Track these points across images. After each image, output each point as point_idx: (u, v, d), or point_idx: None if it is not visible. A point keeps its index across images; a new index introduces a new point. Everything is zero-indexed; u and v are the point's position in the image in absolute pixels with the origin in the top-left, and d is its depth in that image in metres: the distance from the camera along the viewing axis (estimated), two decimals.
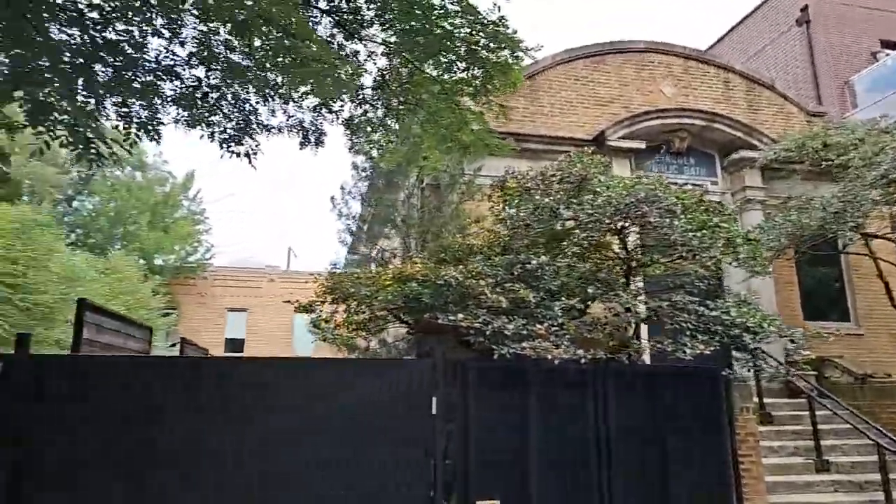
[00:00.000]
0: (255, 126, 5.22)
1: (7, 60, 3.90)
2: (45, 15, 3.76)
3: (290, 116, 5.72)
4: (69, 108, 4.12)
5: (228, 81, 5.35)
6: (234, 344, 31.22)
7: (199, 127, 5.10)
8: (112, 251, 26.96)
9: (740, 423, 7.18)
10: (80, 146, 4.49)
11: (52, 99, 3.95)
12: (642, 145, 10.23)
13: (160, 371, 5.03)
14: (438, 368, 5.65)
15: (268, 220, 69.48)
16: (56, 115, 4.17)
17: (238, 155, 5.13)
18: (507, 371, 5.78)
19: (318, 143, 5.68)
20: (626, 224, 6.35)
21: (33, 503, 4.43)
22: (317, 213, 77.41)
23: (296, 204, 74.46)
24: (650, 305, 5.52)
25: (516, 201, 6.80)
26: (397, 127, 5.86)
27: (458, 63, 5.27)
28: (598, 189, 6.08)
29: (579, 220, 5.96)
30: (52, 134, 4.38)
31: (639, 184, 5.98)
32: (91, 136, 4.41)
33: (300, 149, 5.64)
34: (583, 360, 5.22)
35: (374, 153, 6.43)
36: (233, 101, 5.31)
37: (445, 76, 5.48)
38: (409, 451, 5.45)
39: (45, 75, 3.85)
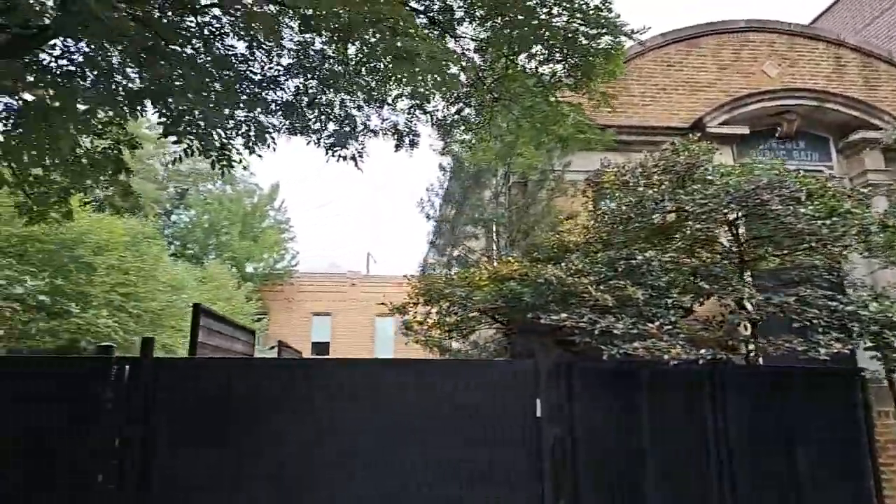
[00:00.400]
0: (356, 130, 5.26)
1: (145, 75, 4.13)
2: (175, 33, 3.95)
3: (384, 119, 5.72)
4: (201, 118, 4.31)
5: (325, 89, 5.44)
6: (320, 347, 32.24)
7: (303, 134, 5.22)
8: (207, 260, 28.67)
9: (879, 429, 6.49)
10: (215, 153, 4.69)
11: (184, 108, 4.14)
12: (745, 130, 9.53)
13: (275, 372, 5.15)
14: (542, 370, 5.46)
15: (348, 226, 71.64)
16: (188, 126, 4.38)
17: (344, 158, 5.18)
18: (614, 373, 5.49)
19: (413, 144, 5.66)
20: (740, 214, 5.89)
21: (155, 466, 4.71)
22: (395, 218, 78.90)
23: (374, 209, 76.30)
24: (774, 301, 5.05)
25: (617, 195, 6.47)
26: (490, 124, 5.73)
27: (555, 53, 5.06)
28: (708, 178, 5.66)
29: (689, 211, 5.57)
30: (188, 142, 4.61)
31: (757, 168, 5.51)
32: (224, 142, 4.61)
33: (395, 151, 5.65)
34: (701, 361, 4.85)
35: (465, 153, 6.33)
36: (329, 108, 5.39)
37: (541, 69, 5.29)
38: (512, 454, 5.29)
39: (177, 86, 4.03)
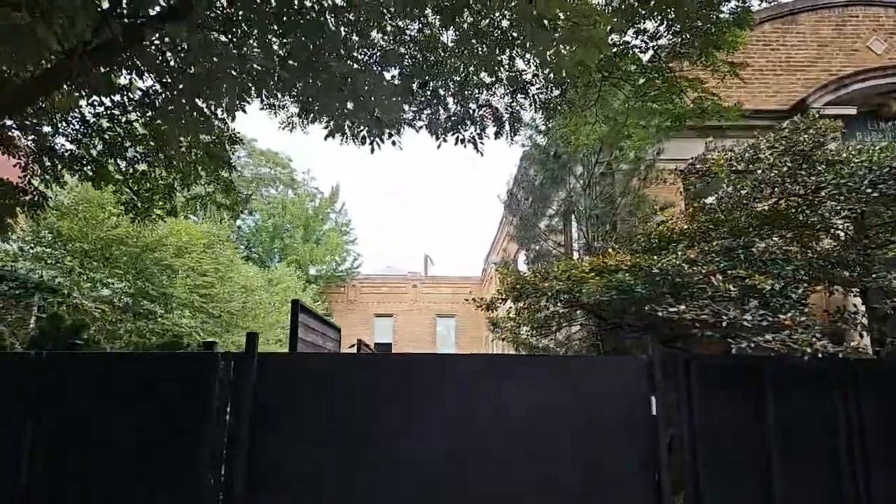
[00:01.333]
0: (464, 115, 5.06)
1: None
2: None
3: (481, 106, 5.48)
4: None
5: (431, 74, 5.26)
6: (383, 348, 32.44)
7: (420, 119, 5.09)
8: (271, 264, 29.40)
9: None
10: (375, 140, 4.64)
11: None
12: (853, 111, 8.80)
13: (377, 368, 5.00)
14: (656, 366, 5.09)
15: (404, 227, 72.28)
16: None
17: (464, 141, 4.99)
18: (735, 368, 5.06)
19: (514, 130, 5.41)
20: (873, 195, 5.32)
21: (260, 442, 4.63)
22: (451, 218, 79.06)
23: (429, 210, 76.66)
24: None
25: (730, 178, 6.02)
26: (597, 105, 5.40)
27: (674, 25, 4.70)
28: (843, 155, 5.15)
29: (824, 191, 5.07)
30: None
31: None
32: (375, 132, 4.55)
33: (495, 138, 5.39)
34: (841, 355, 4.38)
35: (564, 137, 6.02)
36: (434, 93, 5.24)
37: (657, 42, 4.93)
38: (627, 454, 4.95)
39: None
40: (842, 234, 5.65)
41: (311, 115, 4.86)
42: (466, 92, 5.00)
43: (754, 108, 9.28)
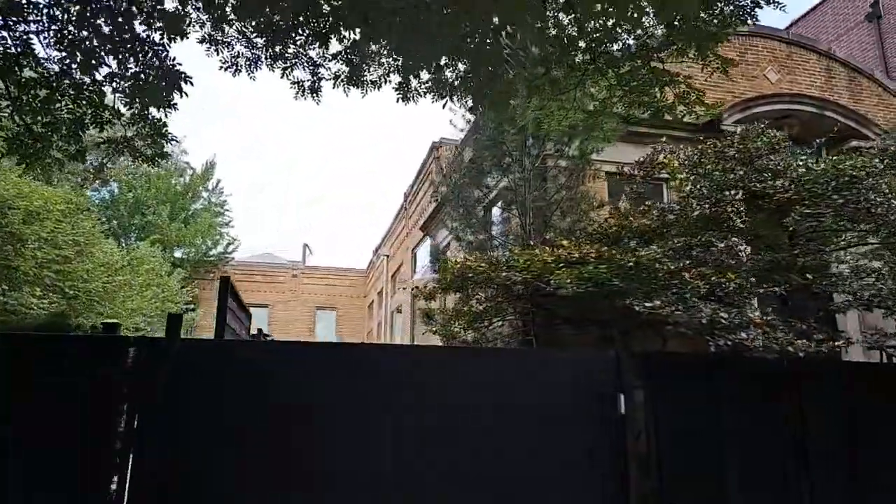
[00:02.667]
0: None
1: None
2: None
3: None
4: None
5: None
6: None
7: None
8: (129, 241, 26.16)
9: None
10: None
11: None
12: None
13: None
14: (624, 363, 5.00)
15: (283, 214, 68.58)
16: None
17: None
18: (701, 365, 5.13)
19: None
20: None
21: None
22: (333, 208, 76.52)
23: (312, 198, 73.55)
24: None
25: (677, 181, 6.15)
26: (577, 90, 5.19)
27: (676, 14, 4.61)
28: (775, 166, 5.49)
29: (783, 195, 5.32)
30: None
31: (842, 163, 5.37)
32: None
33: (449, 99, 4.99)
34: (820, 353, 4.59)
35: (541, 122, 5.75)
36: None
37: (644, 30, 4.83)
38: (590, 455, 4.79)
39: None
40: (786, 239, 6.03)
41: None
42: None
43: (669, 120, 9.80)
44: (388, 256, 25.30)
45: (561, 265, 5.50)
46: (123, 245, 23.96)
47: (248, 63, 4.89)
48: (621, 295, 5.06)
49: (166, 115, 4.36)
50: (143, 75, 4.06)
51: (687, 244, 5.55)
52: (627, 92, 5.20)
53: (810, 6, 16.76)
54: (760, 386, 5.13)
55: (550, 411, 4.73)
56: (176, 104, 4.27)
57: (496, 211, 8.23)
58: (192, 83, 4.20)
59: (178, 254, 27.88)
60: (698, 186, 5.82)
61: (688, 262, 5.31)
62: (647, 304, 4.89)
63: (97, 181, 31.29)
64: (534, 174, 7.58)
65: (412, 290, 7.71)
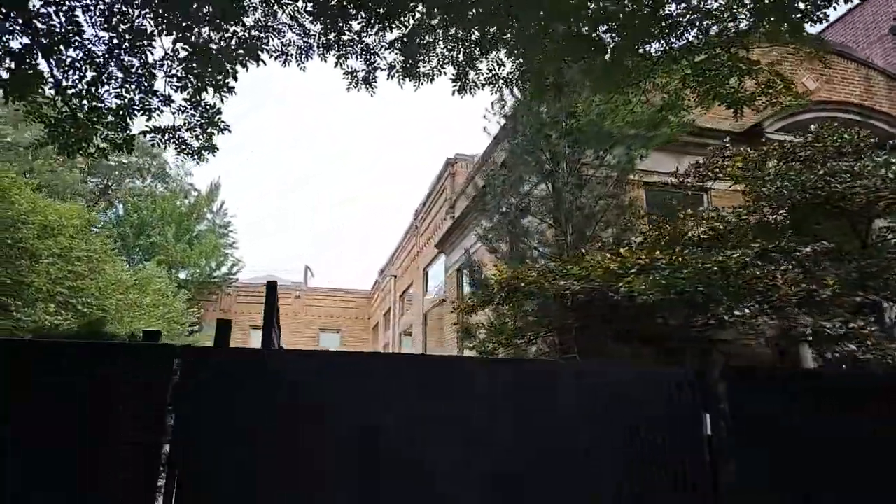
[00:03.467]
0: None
1: None
2: None
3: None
4: None
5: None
6: None
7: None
8: (133, 262, 25.70)
9: None
10: None
11: None
12: (792, 138, 9.34)
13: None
14: (711, 378, 4.56)
15: (286, 237, 68.32)
16: None
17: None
18: (796, 380, 4.68)
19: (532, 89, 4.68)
20: None
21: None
22: (340, 231, 76.28)
23: (316, 223, 73.33)
24: None
25: (746, 184, 5.78)
26: (649, 79, 4.86)
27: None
28: (850, 167, 5.13)
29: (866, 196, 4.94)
30: None
31: None
32: None
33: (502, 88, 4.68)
34: None
35: (604, 116, 5.41)
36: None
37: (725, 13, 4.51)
38: (675, 479, 4.32)
39: None
40: (859, 244, 5.64)
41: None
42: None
43: (709, 127, 9.51)
44: (395, 277, 24.85)
45: (632, 271, 5.09)
46: (129, 266, 23.52)
47: (298, 52, 4.55)
48: (704, 303, 4.64)
49: (222, 100, 3.99)
50: (195, 57, 3.70)
51: (763, 249, 5.14)
52: (702, 83, 4.86)
53: (836, 16, 16.69)
54: (871, 404, 4.68)
55: (632, 430, 4.28)
56: (233, 87, 3.91)
57: (527, 220, 7.82)
58: (253, 63, 3.85)
59: (182, 275, 27.40)
60: (770, 188, 5.44)
61: (772, 267, 4.90)
62: (736, 313, 4.47)
63: (102, 202, 30.98)
64: (573, 182, 7.22)
65: (452, 304, 7.24)
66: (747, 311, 4.45)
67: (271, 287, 4.91)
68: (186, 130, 4.13)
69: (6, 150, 23.75)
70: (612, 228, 7.37)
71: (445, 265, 16.04)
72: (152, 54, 3.74)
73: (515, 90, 4.88)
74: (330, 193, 78.57)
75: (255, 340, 30.21)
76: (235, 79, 3.85)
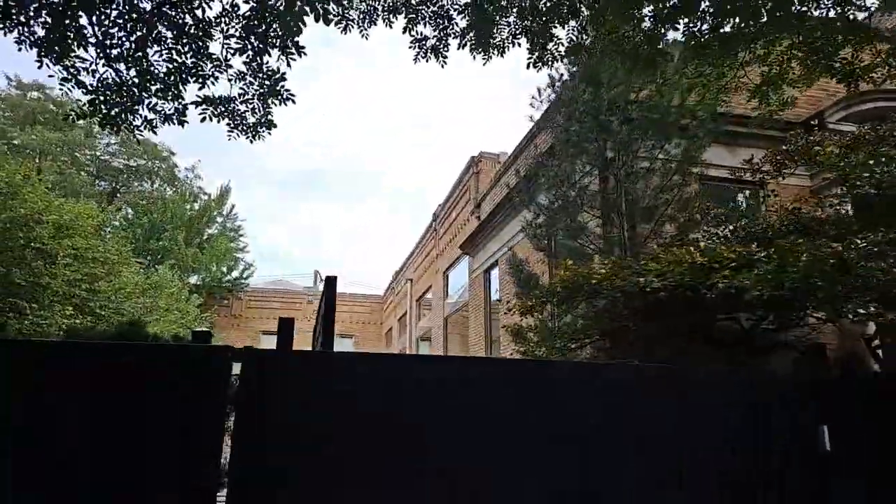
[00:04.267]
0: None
1: None
2: None
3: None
4: None
5: None
6: None
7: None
8: (144, 266, 25.25)
9: None
10: None
11: None
12: (854, 128, 8.79)
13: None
14: (828, 388, 4.02)
15: (295, 241, 67.92)
16: None
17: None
18: None
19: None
20: None
21: None
22: (349, 235, 75.82)
23: (330, 224, 72.90)
24: None
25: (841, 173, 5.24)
26: (750, 49, 4.34)
27: None
28: None
29: None
30: None
31: None
32: None
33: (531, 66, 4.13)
34: None
35: (688, 89, 4.88)
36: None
37: None
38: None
39: None
40: None
41: None
42: None
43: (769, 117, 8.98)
44: (411, 281, 24.30)
45: (729, 265, 4.54)
46: (141, 269, 23.09)
47: (361, 17, 4.04)
48: (821, 300, 4.08)
49: (288, 63, 3.47)
50: (257, 13, 3.19)
51: (876, 240, 4.59)
52: (809, 53, 4.33)
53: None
54: None
55: (740, 444, 3.74)
56: (302, 46, 3.39)
57: (579, 214, 7.26)
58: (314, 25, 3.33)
59: (193, 279, 26.93)
60: (878, 172, 4.89)
61: (890, 260, 4.34)
62: (860, 311, 3.91)
63: (112, 205, 30.62)
64: (633, 173, 6.68)
65: (507, 305, 6.67)
66: (872, 308, 3.91)
67: (330, 283, 4.40)
68: (242, 102, 3.62)
69: (14, 151, 23.36)
70: (672, 224, 6.82)
71: (470, 267, 15.50)
72: (209, 8, 3.23)
73: (580, 67, 4.36)
74: (344, 192, 78.14)
75: (267, 346, 29.65)
76: (300, 31, 3.31)
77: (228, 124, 3.72)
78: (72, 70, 3.24)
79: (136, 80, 3.34)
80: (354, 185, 79.25)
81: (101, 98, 3.35)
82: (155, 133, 3.61)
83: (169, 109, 3.58)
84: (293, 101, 3.61)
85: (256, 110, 3.66)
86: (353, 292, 33.17)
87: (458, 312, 17.45)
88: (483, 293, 14.15)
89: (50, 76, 3.35)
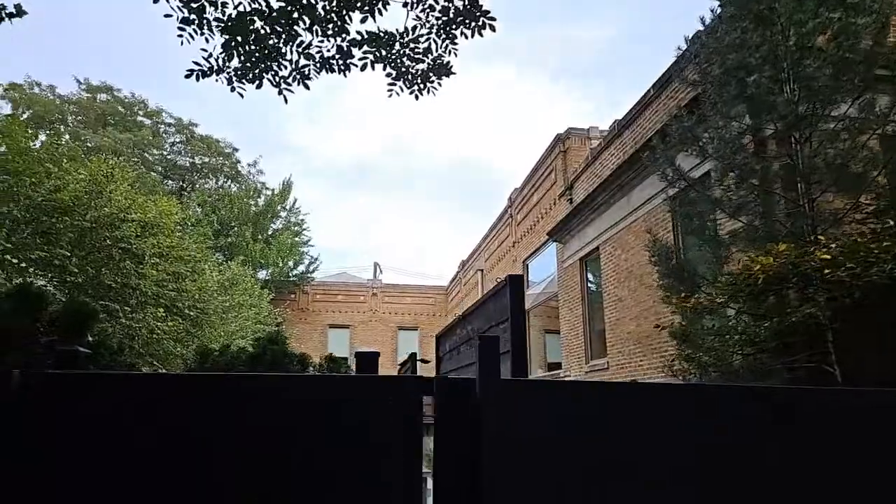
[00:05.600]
0: None
1: None
2: None
3: None
4: None
5: None
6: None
7: None
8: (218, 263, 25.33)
9: None
10: None
11: None
12: None
13: None
14: None
15: (354, 232, 68.39)
16: None
17: None
18: None
19: None
20: None
21: None
22: (408, 225, 75.74)
23: (389, 213, 73.11)
24: None
25: None
26: None
27: None
28: None
29: None
30: None
31: None
32: None
33: None
34: None
35: None
36: None
37: None
38: None
39: None
40: None
41: None
42: None
43: None
44: (482, 271, 23.34)
45: None
46: (226, 266, 23.12)
47: None
48: None
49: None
50: None
51: None
52: None
53: None
54: None
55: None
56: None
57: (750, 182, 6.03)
58: None
59: (261, 274, 26.87)
60: None
61: None
62: None
63: (181, 203, 31.00)
64: (825, 131, 5.43)
65: (691, 301, 5.53)
66: None
67: (515, 282, 3.45)
68: (410, 42, 2.70)
69: (88, 153, 23.73)
70: (869, 196, 5.55)
71: (559, 256, 14.39)
72: None
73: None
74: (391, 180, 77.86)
75: (333, 340, 29.48)
76: None
77: (390, 73, 2.83)
78: (194, 4, 2.39)
79: (284, 8, 2.46)
80: (407, 175, 78.78)
81: (239, 39, 2.50)
82: (307, 87, 2.74)
83: (328, 49, 2.70)
84: (492, 28, 2.65)
85: (431, 50, 2.73)
86: (416, 283, 32.55)
87: (542, 304, 16.39)
88: (580, 285, 13.03)
89: (167, 16, 2.46)
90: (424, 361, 9.65)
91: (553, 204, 14.96)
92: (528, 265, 17.80)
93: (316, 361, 5.19)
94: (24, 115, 23.71)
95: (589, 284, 12.98)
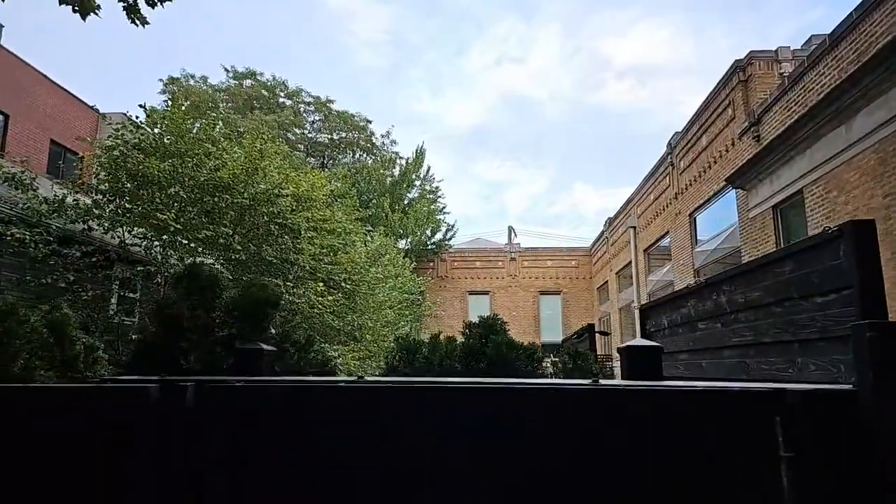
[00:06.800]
0: None
1: None
2: None
3: None
4: None
5: None
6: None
7: None
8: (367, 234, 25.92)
9: None
10: None
11: None
12: None
13: None
14: None
15: (483, 195, 68.11)
16: None
17: None
18: None
19: None
20: None
21: None
22: (539, 185, 74.14)
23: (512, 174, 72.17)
24: None
25: None
26: None
27: None
28: None
29: None
30: None
31: None
32: None
33: None
34: None
35: None
36: None
37: None
38: None
39: None
40: None
41: None
42: None
43: None
44: (634, 228, 21.29)
45: None
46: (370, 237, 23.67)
47: None
48: None
49: None
50: None
51: None
52: None
53: None
54: None
55: None
56: None
57: None
58: None
59: (401, 244, 27.09)
60: None
61: None
62: None
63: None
64: None
65: None
66: None
67: (863, 230, 2.18)
68: None
69: (239, 137, 25.22)
70: None
71: (741, 205, 12.29)
72: None
73: None
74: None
75: (473, 305, 29.14)
76: None
77: None
78: None
79: None
80: (535, 136, 76.21)
81: None
82: None
83: None
84: None
85: None
86: (556, 245, 31.06)
87: (717, 262, 14.32)
88: (773, 237, 10.95)
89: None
90: (604, 334, 8.47)
91: (731, 145, 12.76)
92: (695, 218, 15.69)
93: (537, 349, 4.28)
94: (183, 107, 25.69)
95: (787, 237, 10.88)
